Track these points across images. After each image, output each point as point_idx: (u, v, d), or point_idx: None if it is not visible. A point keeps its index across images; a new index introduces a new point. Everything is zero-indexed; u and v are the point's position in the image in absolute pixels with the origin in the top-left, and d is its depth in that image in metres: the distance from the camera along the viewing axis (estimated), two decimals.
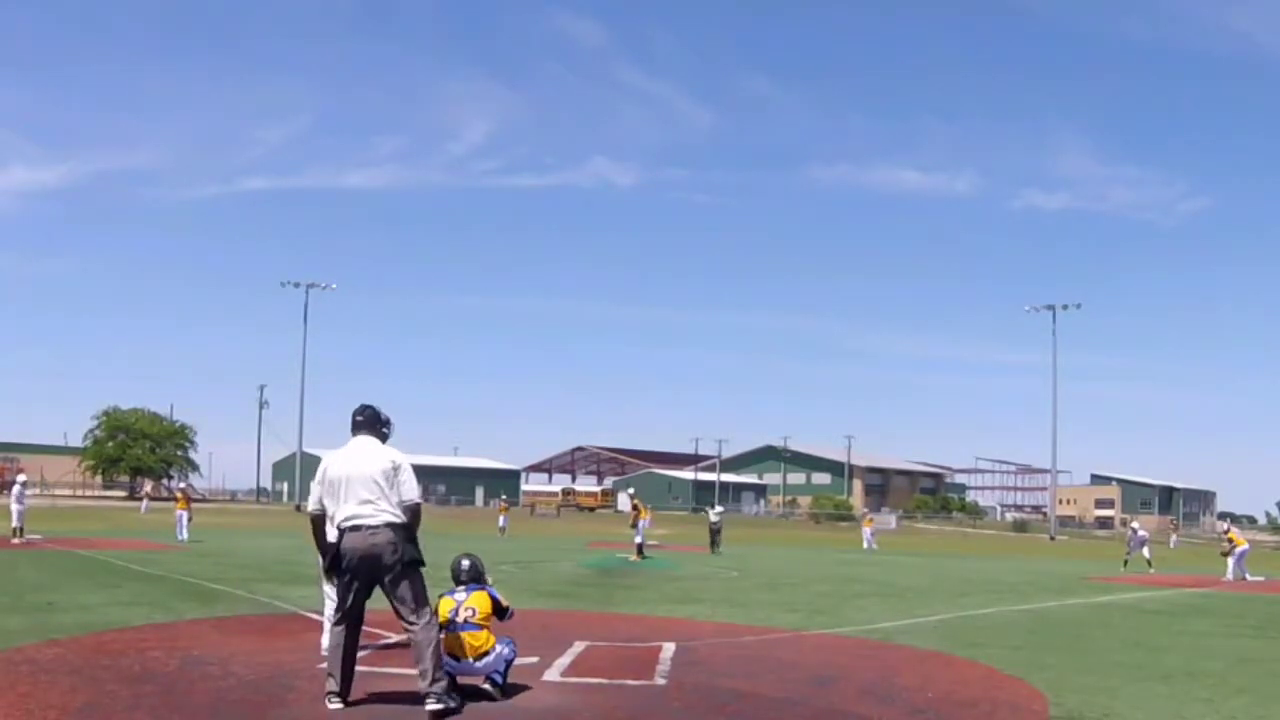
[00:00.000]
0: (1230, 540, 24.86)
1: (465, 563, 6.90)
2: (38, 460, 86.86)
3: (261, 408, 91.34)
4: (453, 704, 5.99)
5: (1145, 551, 24.21)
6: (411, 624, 5.95)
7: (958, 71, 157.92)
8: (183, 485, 34.81)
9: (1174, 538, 59.53)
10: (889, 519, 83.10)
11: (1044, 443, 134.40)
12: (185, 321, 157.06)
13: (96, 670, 7.16)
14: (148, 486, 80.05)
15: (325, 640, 7.10)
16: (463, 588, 6.75)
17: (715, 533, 31.36)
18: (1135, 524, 24.14)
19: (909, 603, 14.98)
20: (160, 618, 10.27)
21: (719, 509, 34.38)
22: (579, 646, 8.20)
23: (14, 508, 22.21)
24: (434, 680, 5.91)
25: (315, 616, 9.63)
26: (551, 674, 7.52)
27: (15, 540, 21.58)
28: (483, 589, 6.78)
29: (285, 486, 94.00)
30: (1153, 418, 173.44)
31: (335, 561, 6.01)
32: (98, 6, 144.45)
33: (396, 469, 6.01)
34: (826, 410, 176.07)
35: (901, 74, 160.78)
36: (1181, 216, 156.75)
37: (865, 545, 40.26)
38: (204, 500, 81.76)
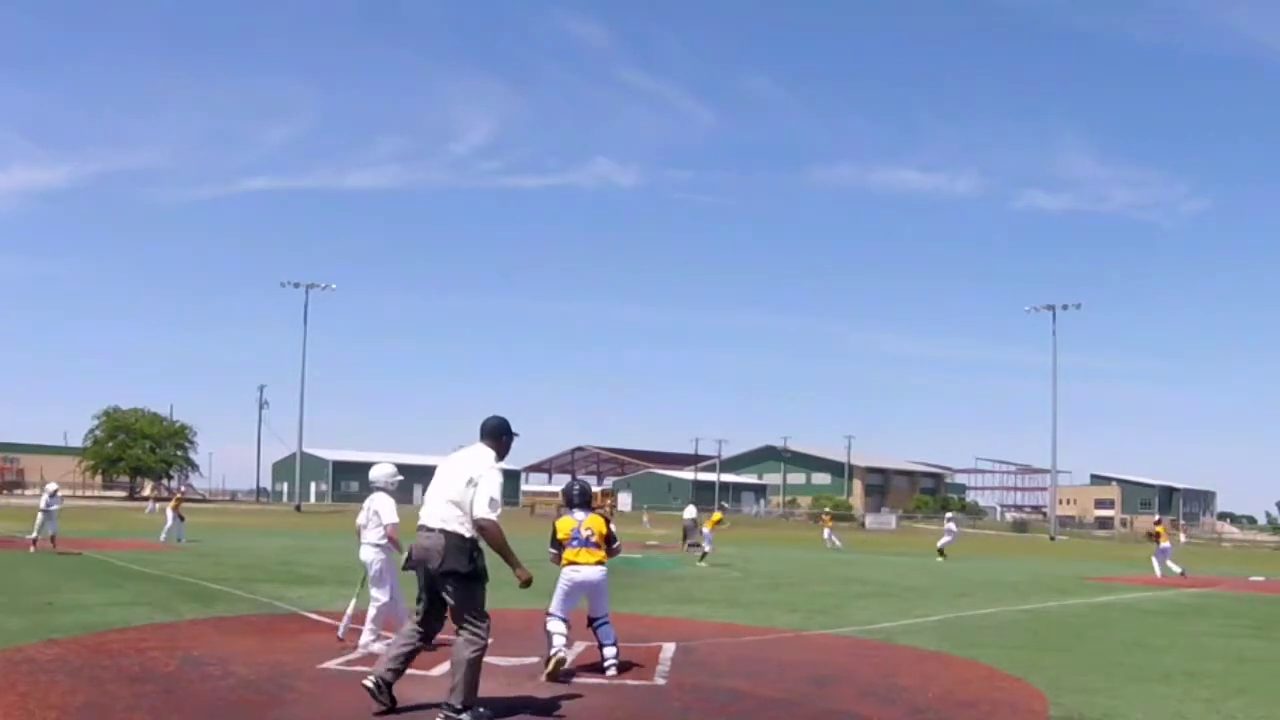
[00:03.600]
0: (1156, 535, 25.11)
1: (577, 487, 7.92)
2: (38, 460, 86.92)
3: (261, 408, 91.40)
4: None
5: (1173, 565, 24.24)
6: (457, 633, 5.86)
7: (959, 72, 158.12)
8: (171, 486, 34.40)
9: (1181, 538, 59.55)
10: (889, 519, 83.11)
11: (1044, 443, 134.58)
12: (185, 321, 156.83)
13: (96, 670, 7.17)
14: (148, 489, 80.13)
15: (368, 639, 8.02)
16: (580, 510, 7.70)
17: (689, 531, 31.90)
18: (1165, 543, 24.27)
19: (909, 603, 14.98)
20: (160, 618, 10.27)
21: (692, 508, 34.51)
22: (579, 646, 8.20)
23: (39, 516, 20.49)
24: (454, 697, 5.79)
25: (315, 617, 9.65)
26: None
27: (34, 546, 20.14)
28: (597, 513, 7.70)
29: (285, 487, 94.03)
30: (1153, 418, 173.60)
31: (407, 560, 6.17)
32: (99, 7, 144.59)
33: (473, 482, 5.86)
34: (826, 410, 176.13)
35: (903, 75, 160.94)
36: (1183, 218, 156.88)
37: (828, 544, 40.04)
38: (204, 500, 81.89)
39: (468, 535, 5.81)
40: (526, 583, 6.01)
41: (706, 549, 25.62)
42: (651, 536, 38.64)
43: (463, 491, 5.86)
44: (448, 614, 5.97)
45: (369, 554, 8.45)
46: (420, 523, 5.98)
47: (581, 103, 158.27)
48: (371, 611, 8.37)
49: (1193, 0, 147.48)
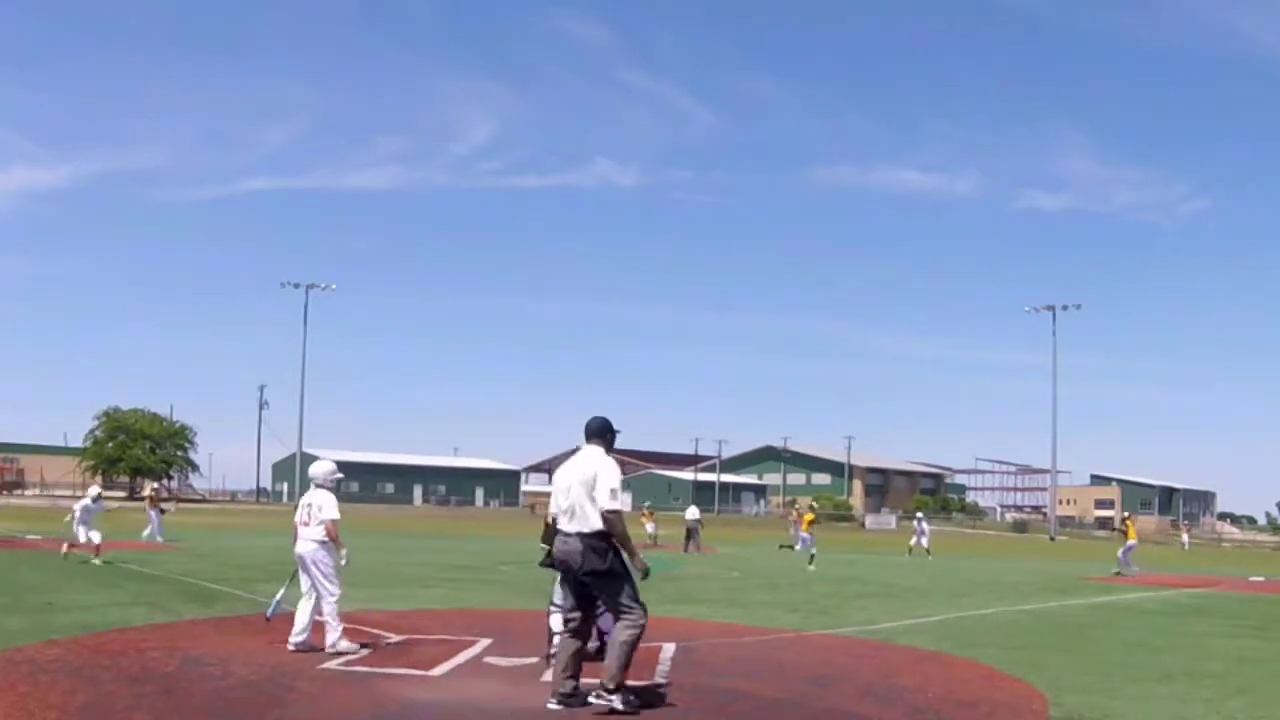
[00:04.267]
0: (1125, 531, 25.28)
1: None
2: (38, 460, 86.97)
3: (261, 408, 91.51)
4: (619, 707, 6.13)
5: (1132, 565, 24.71)
6: (614, 624, 6.34)
7: (960, 72, 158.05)
8: (155, 486, 33.65)
9: (1185, 538, 59.59)
10: (889, 519, 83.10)
11: (1044, 443, 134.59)
12: (186, 322, 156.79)
13: (96, 670, 7.16)
14: (147, 489, 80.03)
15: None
16: None
17: (692, 532, 31.92)
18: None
19: (909, 603, 14.98)
20: (160, 618, 10.27)
21: (694, 509, 34.45)
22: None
23: (78, 528, 18.32)
24: (609, 679, 6.15)
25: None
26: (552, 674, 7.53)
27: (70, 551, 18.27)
28: None
29: (285, 487, 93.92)
30: (1153, 418, 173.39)
31: (551, 564, 6.54)
32: (99, 7, 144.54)
33: (594, 479, 6.23)
34: (826, 410, 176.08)
35: (903, 75, 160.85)
36: (1183, 218, 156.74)
37: (796, 544, 38.94)
38: (204, 500, 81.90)
39: (600, 531, 6.21)
40: (645, 573, 6.44)
41: (813, 551, 25.41)
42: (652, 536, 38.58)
43: (587, 493, 6.24)
44: (599, 609, 6.50)
45: (308, 549, 8.38)
46: (558, 527, 6.42)
47: (582, 103, 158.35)
48: (329, 608, 8.29)
49: (1193, 0, 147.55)
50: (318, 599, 8.37)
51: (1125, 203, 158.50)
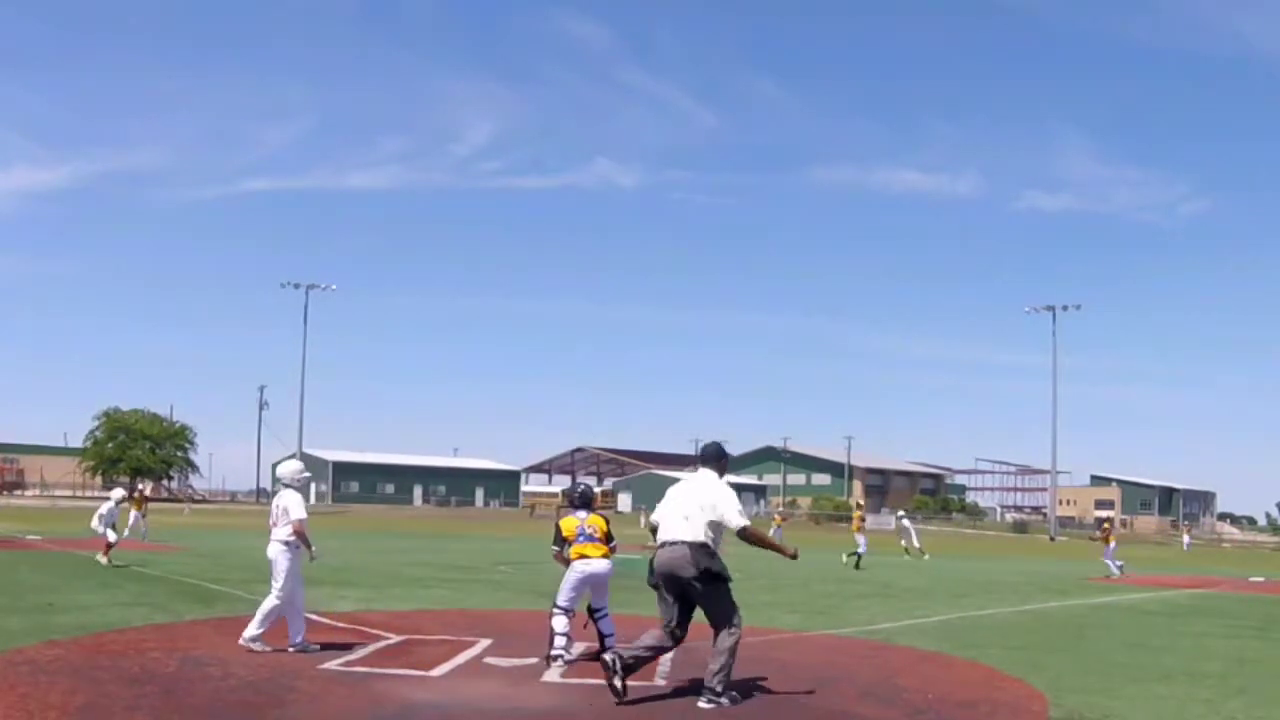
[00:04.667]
0: (1105, 536, 25.49)
1: (580, 488, 8.58)
2: (38, 460, 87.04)
3: (261, 408, 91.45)
4: (725, 703, 6.54)
5: (1113, 566, 24.89)
6: (716, 631, 6.69)
7: (960, 73, 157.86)
8: (140, 487, 32.62)
9: (1186, 539, 59.60)
10: (889, 520, 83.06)
11: (1044, 443, 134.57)
12: (186, 322, 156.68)
13: (96, 671, 7.16)
14: (146, 489, 80.00)
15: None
16: (583, 510, 8.21)
17: None
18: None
19: (909, 603, 14.98)
20: (160, 618, 10.27)
21: None
22: (579, 647, 8.21)
23: (100, 527, 18.32)
24: (715, 681, 6.56)
25: (315, 617, 9.63)
26: (552, 674, 7.53)
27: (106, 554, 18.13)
28: (598, 513, 8.26)
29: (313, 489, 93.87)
30: (1153, 418, 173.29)
31: (650, 573, 6.84)
32: (99, 7, 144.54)
33: (714, 503, 6.77)
34: (826, 410, 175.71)
35: (904, 75, 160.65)
36: (1183, 218, 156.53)
37: (861, 550, 39.52)
38: (203, 501, 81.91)
39: (708, 542, 6.67)
40: (794, 555, 7.57)
41: (860, 552, 25.31)
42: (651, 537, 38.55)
43: (699, 510, 6.72)
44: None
45: (276, 550, 8.34)
46: (661, 539, 6.80)
47: (582, 103, 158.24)
48: (266, 607, 8.26)
49: (1193, 1, 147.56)
50: (279, 597, 8.28)
51: (1125, 203, 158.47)
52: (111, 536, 18.10)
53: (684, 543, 6.62)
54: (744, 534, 6.82)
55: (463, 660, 8.08)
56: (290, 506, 8.37)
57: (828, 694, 7.22)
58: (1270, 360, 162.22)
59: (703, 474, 7.03)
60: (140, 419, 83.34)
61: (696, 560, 6.56)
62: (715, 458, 7.09)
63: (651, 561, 6.79)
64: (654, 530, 6.94)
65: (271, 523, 8.49)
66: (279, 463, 8.99)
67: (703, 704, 6.51)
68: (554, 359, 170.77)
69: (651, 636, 6.72)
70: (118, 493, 20.48)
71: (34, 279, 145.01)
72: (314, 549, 8.55)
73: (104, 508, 18.82)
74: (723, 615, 6.65)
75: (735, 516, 6.74)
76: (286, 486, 8.56)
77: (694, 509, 6.72)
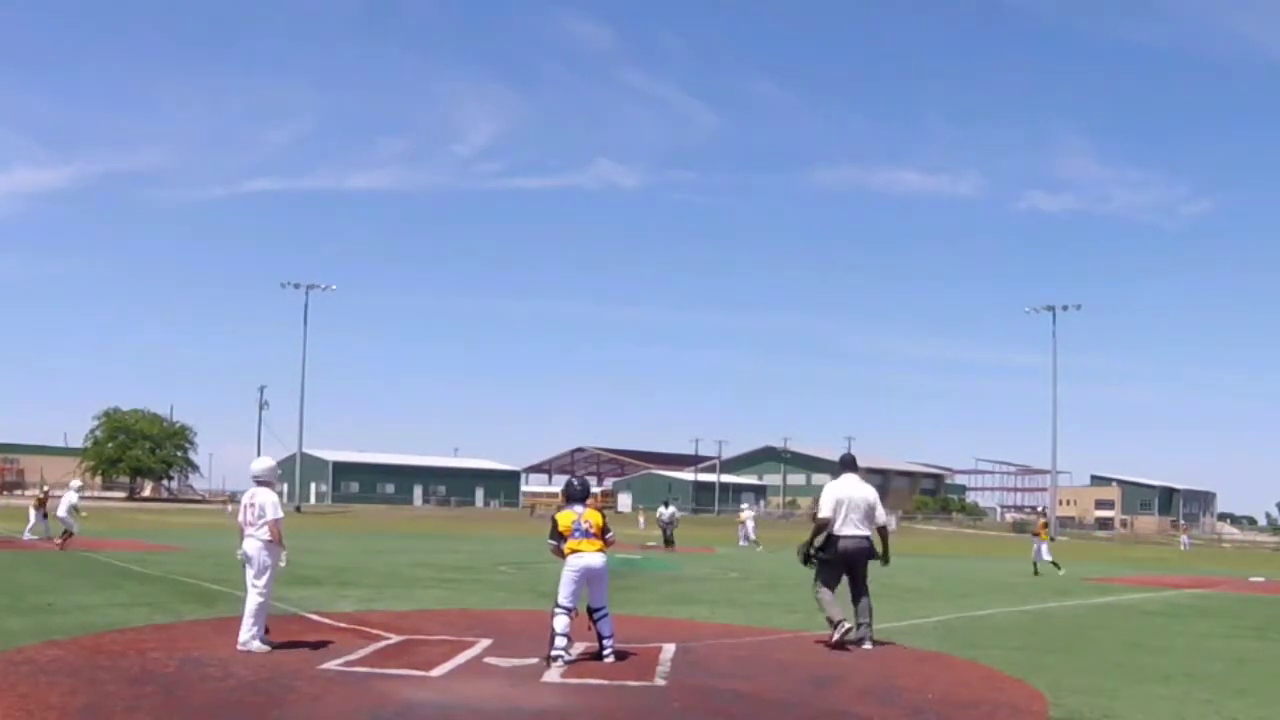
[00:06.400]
0: (1038, 534, 25.73)
1: (576, 483, 8.75)
2: (38, 460, 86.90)
3: (261, 408, 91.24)
4: (868, 646, 9.04)
5: (1046, 555, 25.04)
6: (863, 594, 9.36)
7: (961, 73, 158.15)
8: (45, 487, 31.00)
9: (1185, 540, 59.50)
10: (889, 520, 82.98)
11: (1044, 443, 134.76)
12: (186, 322, 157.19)
13: (96, 671, 7.16)
14: (151, 485, 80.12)
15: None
16: (580, 504, 8.33)
17: (665, 528, 32.63)
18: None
19: (909, 603, 14.96)
20: (160, 618, 10.27)
21: (671, 508, 34.39)
22: (579, 647, 8.20)
23: (61, 514, 21.76)
24: (869, 626, 9.28)
25: (315, 617, 9.64)
26: (552, 674, 7.53)
27: (56, 540, 21.45)
28: (595, 509, 8.43)
29: (285, 487, 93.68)
30: (1153, 418, 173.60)
31: (828, 550, 9.26)
32: (99, 7, 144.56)
33: (873, 505, 9.36)
34: (826, 410, 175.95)
35: (905, 76, 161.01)
36: (1184, 219, 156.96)
37: (740, 540, 37.46)
38: (203, 501, 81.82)
39: (871, 534, 9.37)
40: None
41: (1049, 558, 24.95)
42: (651, 538, 38.58)
43: (865, 509, 9.29)
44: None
45: (255, 548, 8.32)
46: (848, 532, 9.20)
47: (583, 104, 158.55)
48: (252, 606, 8.22)
49: (1193, 1, 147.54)
50: (262, 594, 8.26)
51: (1126, 203, 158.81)
52: (76, 528, 20.57)
53: (865, 536, 9.25)
54: (884, 529, 9.44)
55: (463, 660, 8.08)
56: (266, 505, 8.34)
57: (827, 694, 7.22)
58: (1270, 360, 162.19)
59: (852, 478, 9.36)
60: (140, 419, 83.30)
61: (872, 550, 9.32)
62: (854, 464, 9.62)
63: (835, 545, 9.17)
64: (815, 518, 9.37)
65: (243, 520, 8.45)
66: (253, 460, 8.91)
67: (868, 646, 9.10)
68: (554, 359, 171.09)
69: (829, 595, 9.26)
70: (76, 483, 22.82)
71: (34, 279, 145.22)
72: (284, 553, 8.53)
73: (67, 503, 20.90)
74: (866, 581, 9.39)
75: (884, 514, 9.50)
76: (261, 483, 8.51)
77: (862, 507, 9.22)
